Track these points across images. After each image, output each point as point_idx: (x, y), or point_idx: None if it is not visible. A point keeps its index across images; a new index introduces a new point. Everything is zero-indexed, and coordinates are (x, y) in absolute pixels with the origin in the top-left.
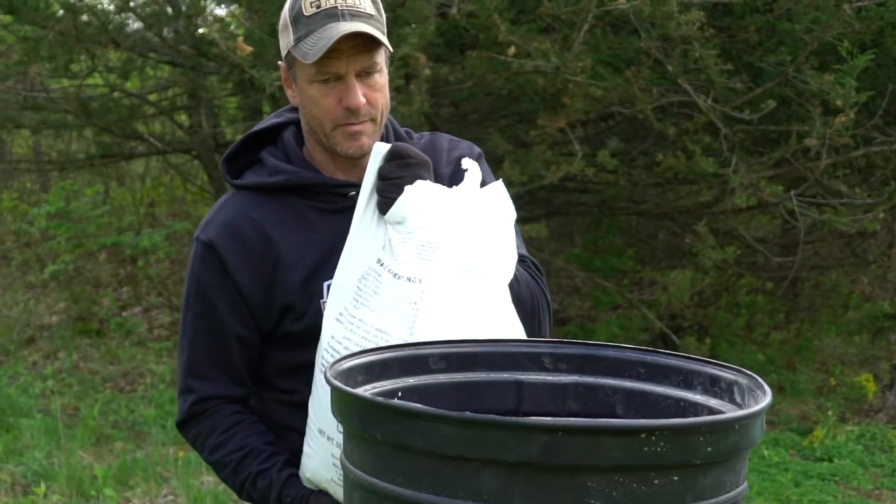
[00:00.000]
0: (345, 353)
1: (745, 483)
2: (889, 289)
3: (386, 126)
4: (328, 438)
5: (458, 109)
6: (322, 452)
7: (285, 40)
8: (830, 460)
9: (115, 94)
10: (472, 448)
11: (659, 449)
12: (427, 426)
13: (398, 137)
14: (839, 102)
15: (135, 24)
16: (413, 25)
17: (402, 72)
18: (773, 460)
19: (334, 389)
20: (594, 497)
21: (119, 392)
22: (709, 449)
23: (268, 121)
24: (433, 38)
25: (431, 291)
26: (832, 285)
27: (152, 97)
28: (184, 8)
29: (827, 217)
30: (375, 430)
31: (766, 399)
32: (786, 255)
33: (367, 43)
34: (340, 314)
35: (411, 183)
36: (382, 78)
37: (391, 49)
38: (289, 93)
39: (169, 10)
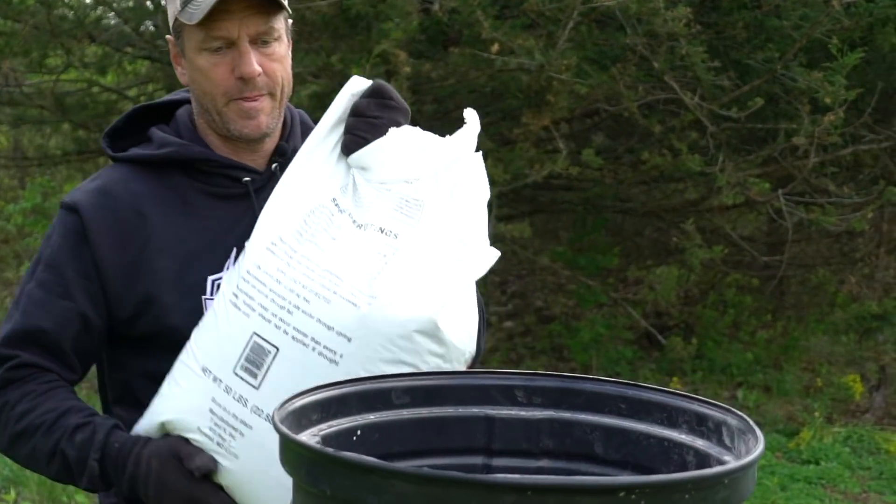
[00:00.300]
0: (275, 286)
1: None
2: (877, 288)
3: (292, 115)
4: (214, 379)
5: (441, 106)
6: (198, 394)
7: (172, 7)
8: (817, 463)
9: (93, 90)
10: None
11: None
12: (381, 482)
13: (305, 132)
14: (828, 100)
15: (112, 20)
16: (396, 21)
17: (383, 68)
18: (758, 463)
19: (281, 436)
20: None
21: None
22: None
23: (162, 98)
24: (416, 35)
25: (408, 250)
26: (819, 283)
27: (131, 92)
28: (163, 2)
29: (814, 216)
30: (325, 484)
31: (758, 446)
32: (773, 253)
33: (261, 4)
34: (274, 244)
35: (387, 127)
36: (282, 48)
37: (290, 13)
38: (178, 70)
39: (149, 4)
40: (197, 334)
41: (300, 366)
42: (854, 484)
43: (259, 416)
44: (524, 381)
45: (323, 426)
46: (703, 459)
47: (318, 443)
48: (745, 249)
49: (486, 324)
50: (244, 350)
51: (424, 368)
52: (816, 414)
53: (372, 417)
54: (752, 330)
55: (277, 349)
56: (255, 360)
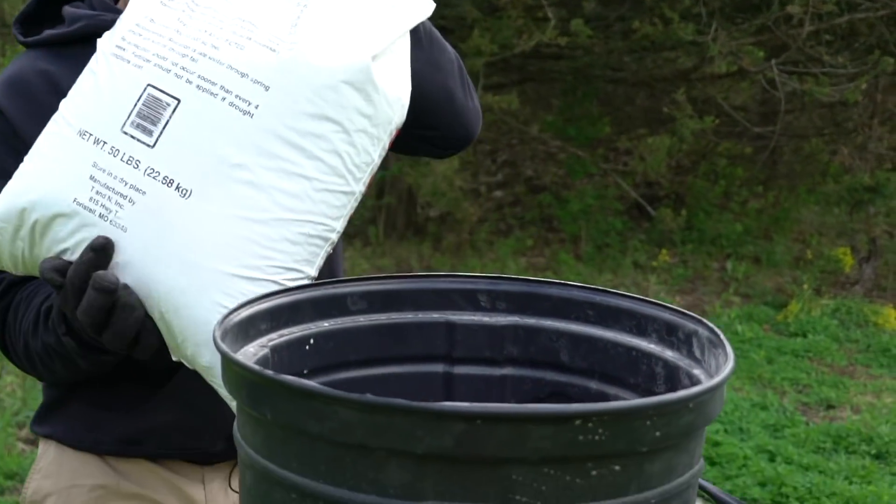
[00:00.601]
0: (174, 35)
1: (702, 461)
2: (869, 160)
3: None
4: (96, 141)
5: None
6: (73, 162)
7: None
8: (804, 335)
9: None
10: (375, 436)
11: (597, 437)
12: (323, 408)
13: None
14: None
15: None
16: None
17: None
18: (746, 336)
19: (221, 354)
20: (520, 492)
21: None
22: (657, 434)
23: None
24: None
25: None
26: (811, 153)
27: None
28: None
29: (808, 86)
30: (266, 408)
31: (727, 363)
32: (765, 124)
33: None
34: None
35: None
36: None
37: None
38: None
39: None
40: (69, 99)
41: (206, 119)
42: (841, 357)
43: (155, 178)
44: (487, 285)
45: (273, 335)
46: (672, 371)
47: (266, 355)
48: (738, 120)
49: (471, 97)
50: (135, 105)
51: (350, 129)
52: (805, 286)
53: (326, 325)
54: (743, 200)
55: (179, 100)
56: (150, 115)
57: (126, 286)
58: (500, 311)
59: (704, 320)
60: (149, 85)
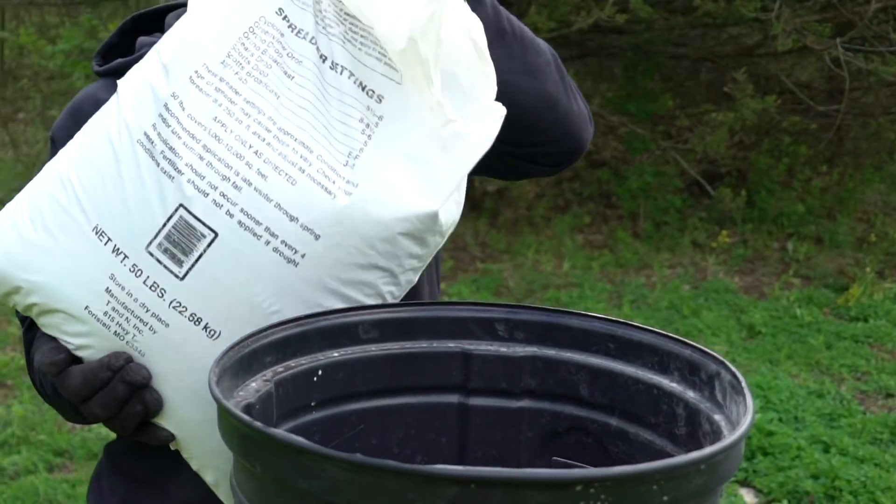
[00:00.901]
0: (211, 143)
1: None
2: None
3: None
4: (116, 251)
5: None
6: (89, 263)
7: None
8: (865, 320)
9: None
10: (365, 497)
11: (600, 503)
12: (312, 466)
13: None
14: None
15: None
16: None
17: None
18: (805, 320)
19: (216, 400)
20: None
21: None
22: (665, 498)
23: (156, 6)
24: None
25: (396, 119)
26: (877, 130)
27: None
28: None
29: (874, 66)
30: (256, 461)
31: (746, 418)
32: (830, 102)
33: None
34: (198, 74)
35: None
36: None
37: None
38: None
39: None
40: (80, 168)
41: (246, 261)
42: None
43: (181, 314)
44: (506, 314)
45: (279, 368)
46: (693, 414)
47: (269, 390)
48: (801, 98)
49: (575, 99)
50: (164, 225)
51: (398, 272)
52: (868, 269)
53: (336, 355)
54: (807, 179)
55: (216, 234)
56: (182, 244)
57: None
58: (518, 342)
59: (727, 363)
60: (181, 206)
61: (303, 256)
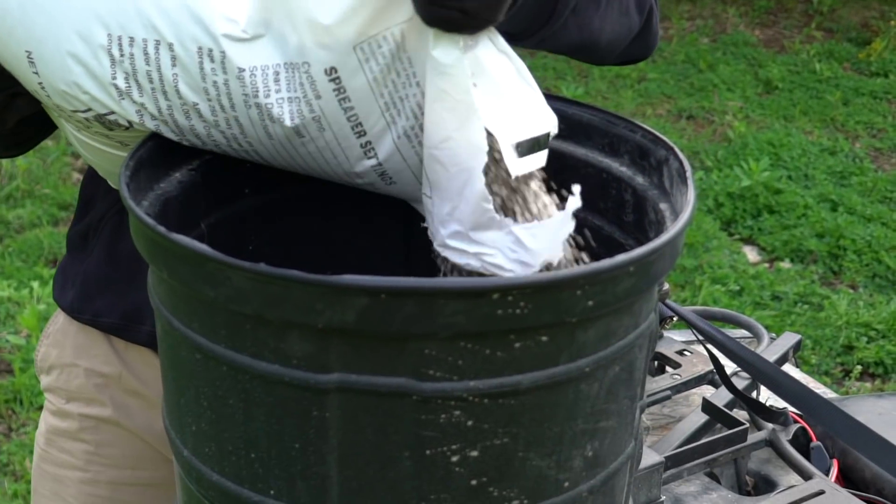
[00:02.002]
0: None
1: (653, 316)
2: None
3: None
4: None
5: None
6: None
7: None
8: (885, 76)
9: None
10: (272, 308)
11: (518, 311)
12: (216, 274)
13: None
14: None
15: None
16: None
17: None
18: (823, 74)
19: (123, 199)
20: (434, 366)
21: None
22: (589, 303)
23: None
24: None
25: None
26: None
27: None
28: None
29: None
30: (162, 266)
31: (686, 211)
32: None
33: None
34: None
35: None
36: None
37: None
38: None
39: None
40: None
41: None
42: None
43: None
44: None
45: (207, 155)
46: (641, 202)
47: (194, 178)
48: None
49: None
50: None
51: None
52: (893, 22)
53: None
54: None
55: None
56: None
57: None
58: None
59: (676, 149)
60: None
61: None
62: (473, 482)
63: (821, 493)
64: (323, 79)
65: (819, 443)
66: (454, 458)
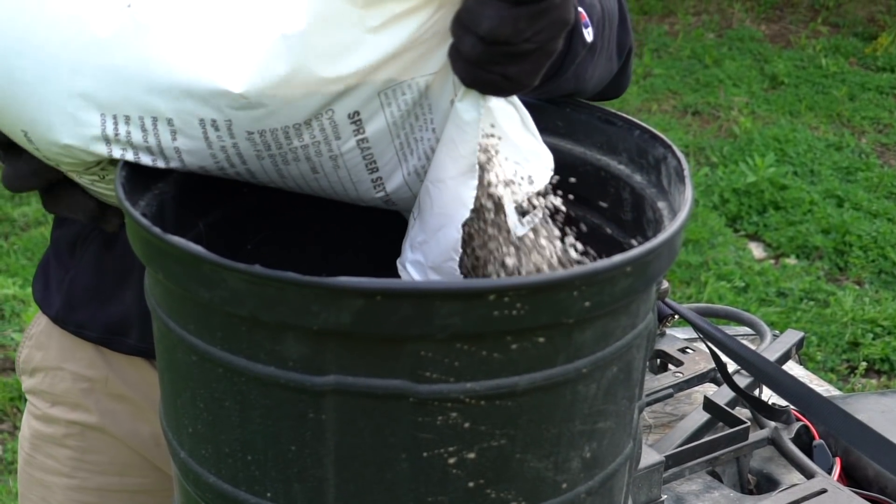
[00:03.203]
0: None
1: (651, 316)
2: None
3: None
4: None
5: None
6: None
7: None
8: (892, 71)
9: None
10: (267, 310)
11: (515, 312)
12: (211, 276)
13: None
14: None
15: None
16: None
17: None
18: (829, 70)
19: (119, 202)
20: (430, 368)
21: None
22: (586, 304)
23: None
24: None
25: None
26: None
27: None
28: None
29: None
30: (158, 268)
31: (683, 212)
32: None
33: None
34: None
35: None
36: None
37: None
38: None
39: None
40: None
41: None
42: None
43: None
44: None
45: None
46: (639, 201)
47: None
48: None
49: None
50: None
51: None
52: None
53: None
54: None
55: None
56: None
57: None
58: None
59: (674, 147)
60: None
61: None
62: (471, 484)
63: (823, 491)
64: (345, 122)
65: (822, 441)
66: (451, 461)
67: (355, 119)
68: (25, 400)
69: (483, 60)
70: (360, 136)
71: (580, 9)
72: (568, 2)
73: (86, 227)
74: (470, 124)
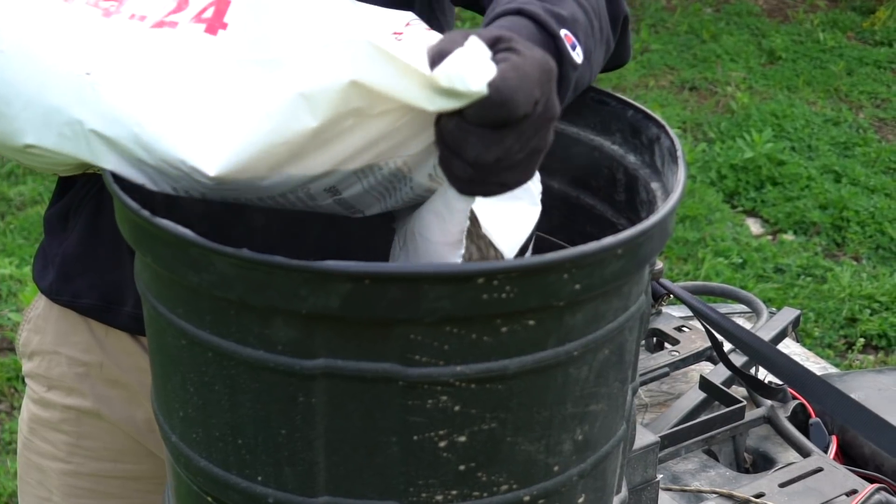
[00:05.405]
0: None
1: (643, 297)
2: None
3: None
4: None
5: None
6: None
7: None
8: (890, 45)
9: None
10: (255, 294)
11: (504, 295)
12: (200, 260)
13: None
14: None
15: None
16: None
17: None
18: (827, 44)
19: (106, 185)
20: (420, 351)
21: None
22: (577, 287)
23: None
24: None
25: None
26: None
27: None
28: None
29: None
30: (146, 251)
31: (675, 193)
32: None
33: None
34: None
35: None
36: None
37: None
38: None
39: None
40: None
41: None
42: None
43: None
44: None
45: None
46: (632, 181)
47: None
48: None
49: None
50: None
51: None
52: None
53: None
54: None
55: None
56: None
57: None
58: None
59: (667, 127)
60: None
61: None
62: (462, 467)
63: (819, 470)
64: (322, 192)
65: (818, 419)
66: (442, 444)
67: (332, 189)
68: (22, 380)
69: (476, 180)
70: (337, 198)
71: (564, 31)
72: (551, 101)
73: (77, 198)
74: (460, 212)
